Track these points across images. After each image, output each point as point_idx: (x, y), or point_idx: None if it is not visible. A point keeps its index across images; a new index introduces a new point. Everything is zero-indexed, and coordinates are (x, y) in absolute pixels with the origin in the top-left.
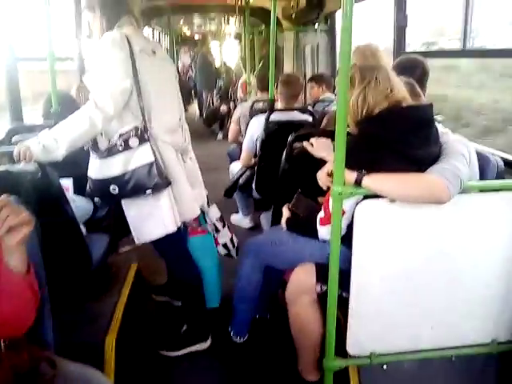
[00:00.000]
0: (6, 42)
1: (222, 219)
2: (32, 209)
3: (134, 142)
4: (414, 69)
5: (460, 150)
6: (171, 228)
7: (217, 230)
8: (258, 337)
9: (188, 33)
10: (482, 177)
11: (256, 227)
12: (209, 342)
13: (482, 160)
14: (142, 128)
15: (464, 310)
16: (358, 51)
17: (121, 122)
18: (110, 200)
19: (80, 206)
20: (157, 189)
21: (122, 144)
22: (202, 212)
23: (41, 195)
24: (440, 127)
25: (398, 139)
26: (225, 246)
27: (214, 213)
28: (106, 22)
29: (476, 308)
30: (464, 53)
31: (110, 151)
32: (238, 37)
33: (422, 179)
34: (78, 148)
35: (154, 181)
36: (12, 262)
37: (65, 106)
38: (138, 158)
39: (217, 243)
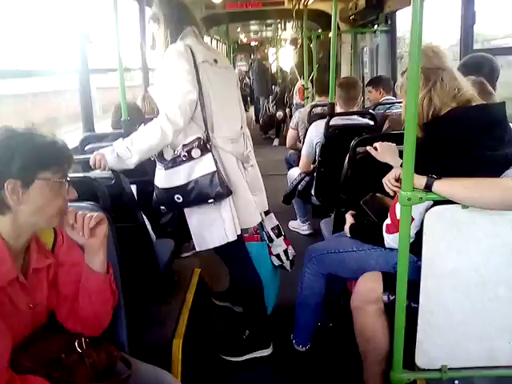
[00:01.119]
0: (79, 55)
1: (278, 228)
2: (109, 213)
3: (196, 152)
4: (481, 67)
5: None
6: (231, 237)
7: (270, 240)
8: (321, 345)
9: (244, 39)
10: None
11: (314, 234)
12: (271, 349)
13: None
14: (204, 138)
15: None
16: None
17: (185, 133)
18: (175, 208)
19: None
20: (218, 198)
21: (186, 155)
22: (261, 222)
23: (115, 201)
24: None
25: (469, 140)
26: (277, 256)
27: (269, 221)
28: (170, 33)
29: None
30: None
31: (175, 161)
32: (294, 42)
33: (497, 184)
34: (148, 157)
35: (215, 190)
36: (95, 263)
37: (132, 116)
38: (201, 168)
39: (270, 253)
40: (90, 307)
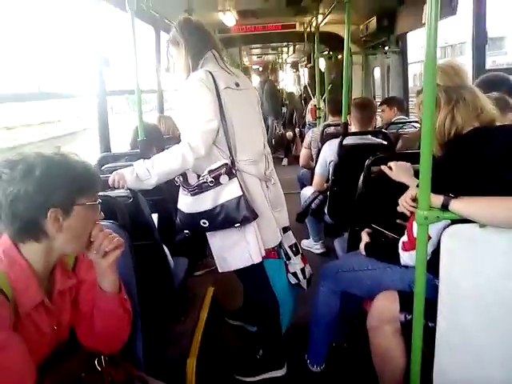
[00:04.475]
0: (98, 78)
1: (295, 246)
2: (127, 231)
3: (224, 178)
4: (499, 86)
5: None
6: (257, 259)
7: (288, 257)
8: (335, 366)
9: (247, 63)
10: None
11: (327, 253)
12: (285, 370)
13: None
14: (230, 164)
15: None
16: (440, 71)
17: (208, 158)
18: (200, 232)
19: None
20: (245, 222)
21: (213, 180)
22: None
23: (132, 219)
24: None
25: (491, 159)
26: (294, 274)
27: (288, 239)
28: (191, 58)
29: None
30: None
31: (201, 187)
32: (294, 66)
33: None
34: (167, 180)
35: (242, 214)
36: (104, 283)
37: (150, 136)
38: (227, 192)
39: (287, 271)
40: (104, 325)
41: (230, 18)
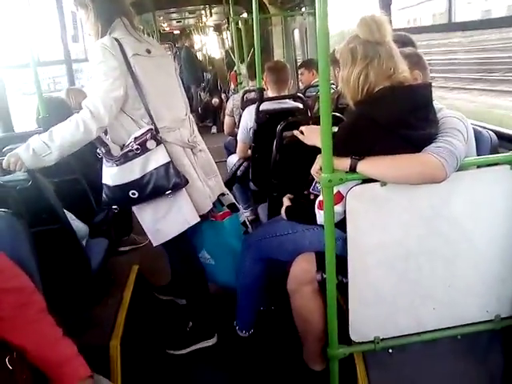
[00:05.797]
0: None
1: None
2: (23, 219)
3: (151, 144)
4: (406, 45)
5: (456, 126)
6: (193, 220)
7: (236, 210)
8: (264, 329)
9: (167, 28)
10: (477, 152)
11: (256, 219)
12: (215, 339)
13: (476, 135)
14: (154, 130)
15: (465, 288)
16: (363, 23)
17: (123, 129)
18: (129, 205)
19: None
20: (175, 188)
21: (139, 147)
22: (219, 198)
23: (32, 204)
24: (435, 103)
25: (398, 121)
26: (243, 223)
27: (230, 196)
28: (101, 23)
29: (477, 285)
30: (450, 26)
31: (126, 156)
32: (217, 28)
33: (416, 159)
34: (70, 153)
35: (172, 181)
36: None
37: (57, 112)
38: (155, 160)
39: None
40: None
41: None
